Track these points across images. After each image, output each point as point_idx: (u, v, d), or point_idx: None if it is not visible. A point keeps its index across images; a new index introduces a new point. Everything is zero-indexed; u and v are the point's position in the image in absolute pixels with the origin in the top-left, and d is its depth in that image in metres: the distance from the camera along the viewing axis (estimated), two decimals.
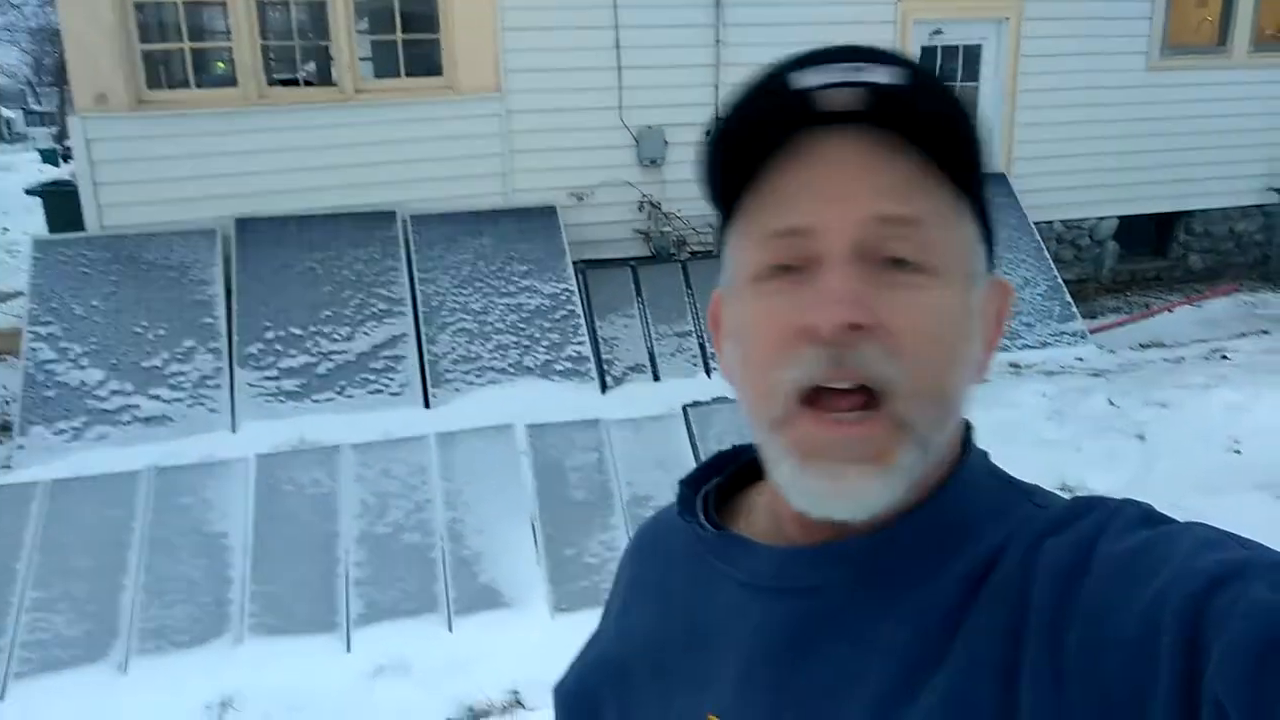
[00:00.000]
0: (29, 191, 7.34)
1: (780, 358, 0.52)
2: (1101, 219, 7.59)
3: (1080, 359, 5.95)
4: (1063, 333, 6.19)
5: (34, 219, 7.46)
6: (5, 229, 13.44)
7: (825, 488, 0.52)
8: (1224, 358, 5.74)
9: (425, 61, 5.96)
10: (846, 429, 0.51)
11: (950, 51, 6.94)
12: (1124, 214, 7.61)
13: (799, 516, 0.58)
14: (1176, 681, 0.41)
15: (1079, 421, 4.81)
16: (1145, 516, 0.51)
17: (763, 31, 6.08)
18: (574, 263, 5.80)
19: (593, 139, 6.10)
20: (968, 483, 0.57)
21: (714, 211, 0.60)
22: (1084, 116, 7.12)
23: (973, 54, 7.00)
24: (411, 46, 5.97)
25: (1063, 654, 0.46)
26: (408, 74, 5.96)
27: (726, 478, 0.70)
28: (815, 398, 0.52)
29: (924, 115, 0.52)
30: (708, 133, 0.55)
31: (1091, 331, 6.32)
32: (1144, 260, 8.07)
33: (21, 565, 3.13)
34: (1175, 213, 7.87)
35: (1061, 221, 7.45)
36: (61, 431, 4.61)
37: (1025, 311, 6.27)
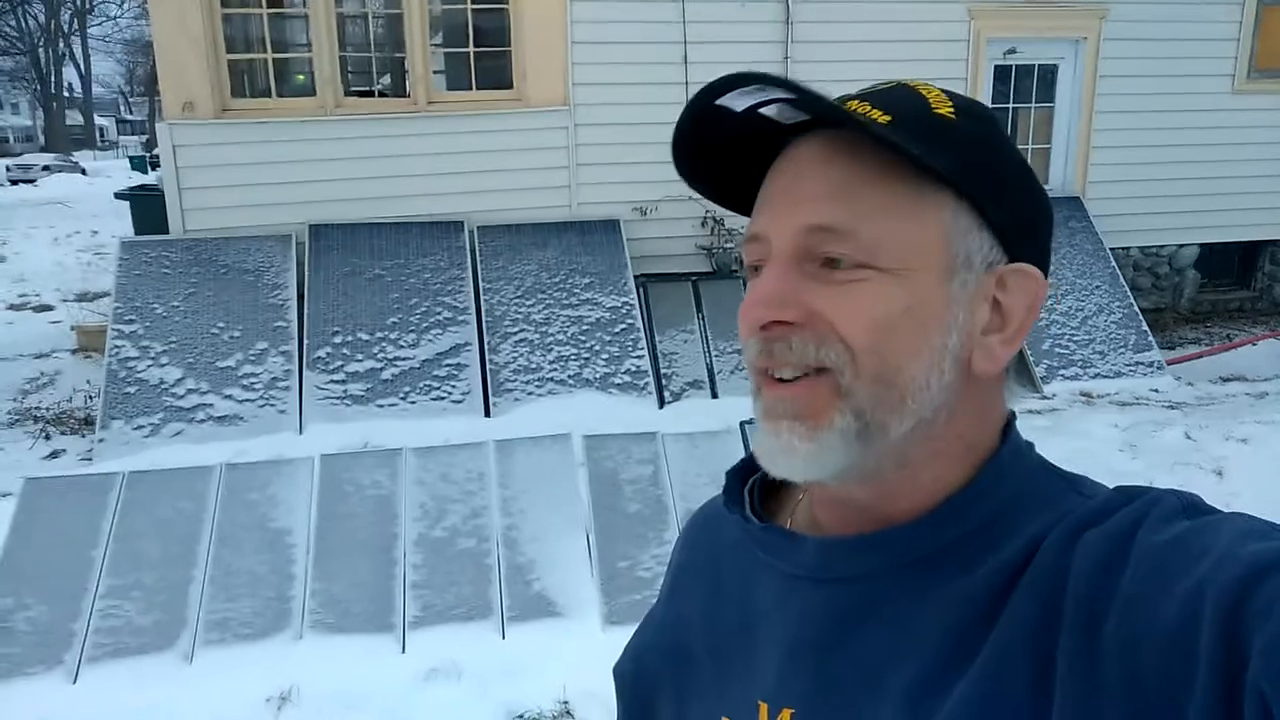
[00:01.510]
0: (118, 196, 7.68)
1: (745, 344, 0.59)
2: (1181, 246, 7.34)
3: (1156, 390, 5.75)
4: (1138, 363, 5.98)
5: (122, 223, 7.79)
6: (95, 231, 14.08)
7: (769, 444, 0.57)
8: None
9: (496, 74, 6.08)
10: (786, 389, 0.56)
11: (1025, 71, 6.81)
12: (1206, 241, 7.34)
13: (827, 504, 0.62)
14: (1216, 671, 0.41)
15: (1153, 454, 4.64)
16: (1187, 506, 0.50)
17: (832, 48, 6.05)
18: (635, 277, 5.83)
19: (658, 154, 6.03)
20: (1005, 472, 0.58)
21: None
22: (1164, 140, 6.91)
23: (1048, 74, 6.85)
24: (483, 60, 6.09)
25: (1099, 643, 0.46)
26: (479, 87, 6.08)
27: None
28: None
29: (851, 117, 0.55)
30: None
31: (1169, 362, 6.10)
32: (1226, 290, 7.78)
33: (98, 553, 3.26)
34: (1261, 241, 7.57)
35: (1139, 248, 7.22)
36: (140, 427, 4.79)
37: (1099, 340, 6.08)
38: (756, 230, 0.59)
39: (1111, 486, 0.56)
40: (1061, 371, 5.87)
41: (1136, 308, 6.31)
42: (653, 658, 0.72)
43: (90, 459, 4.71)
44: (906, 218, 0.55)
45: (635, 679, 0.73)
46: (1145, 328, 6.18)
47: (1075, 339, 6.07)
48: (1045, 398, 5.66)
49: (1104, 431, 4.97)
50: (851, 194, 0.55)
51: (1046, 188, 6.93)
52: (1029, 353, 5.91)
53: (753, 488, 0.70)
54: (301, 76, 6.37)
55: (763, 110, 0.57)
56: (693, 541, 0.76)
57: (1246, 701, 0.39)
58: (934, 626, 0.54)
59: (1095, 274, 6.41)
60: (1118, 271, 6.47)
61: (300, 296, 5.40)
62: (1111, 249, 6.63)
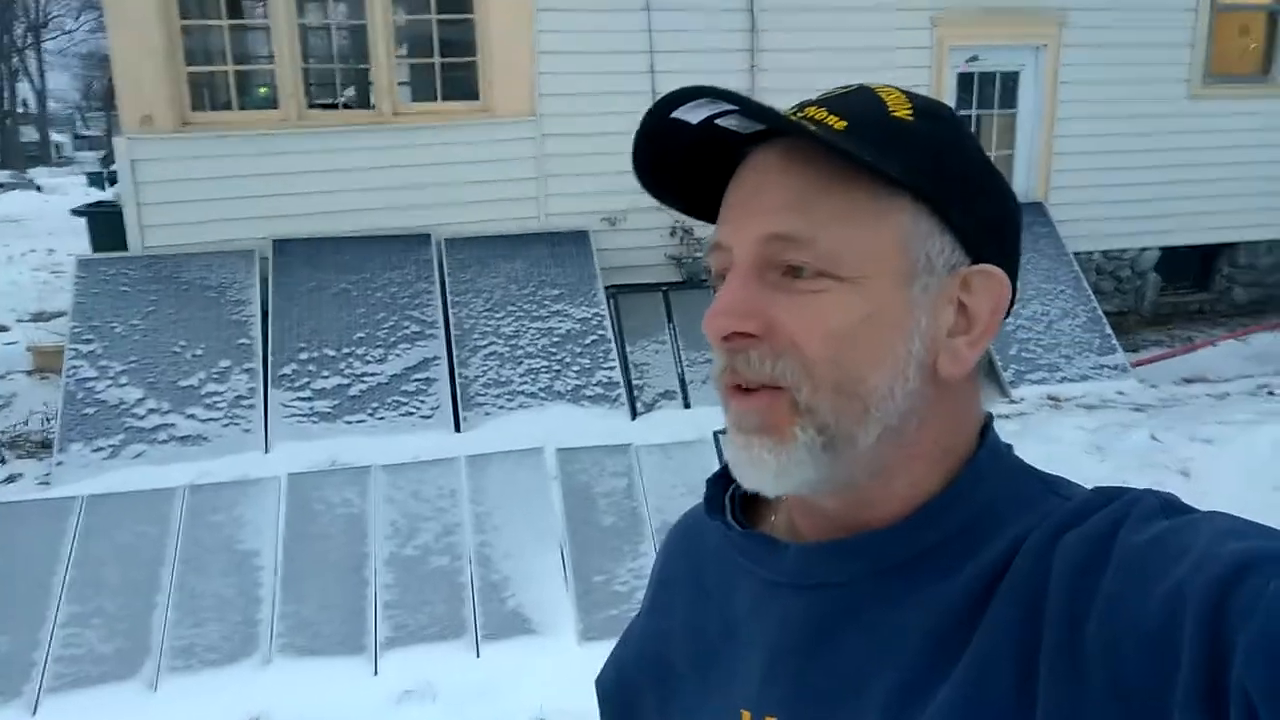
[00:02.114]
0: (75, 212, 7.51)
1: (714, 352, 0.59)
2: (1143, 250, 7.47)
3: (1121, 393, 5.83)
4: (1103, 366, 6.06)
5: (79, 241, 7.62)
6: (51, 250, 13.77)
7: (738, 457, 0.57)
8: (1271, 394, 5.59)
9: (462, 85, 6.04)
10: (750, 401, 0.56)
11: (987, 78, 6.90)
12: (1166, 245, 7.48)
13: (803, 512, 0.62)
14: (1199, 671, 0.41)
15: (1120, 457, 4.70)
16: (1166, 505, 0.50)
17: (797, 57, 6.09)
18: (605, 287, 5.81)
19: (626, 163, 5.97)
20: (983, 475, 0.58)
21: None
22: (1124, 146, 7.03)
23: (1010, 81, 6.95)
24: (449, 70, 6.04)
25: (1081, 644, 0.46)
26: (445, 98, 6.04)
27: None
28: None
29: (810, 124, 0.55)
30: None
31: (1133, 365, 6.19)
32: (1186, 293, 7.92)
33: (57, 580, 3.16)
34: (1219, 244, 7.73)
35: (1101, 252, 7.34)
36: (99, 449, 4.66)
37: (1064, 344, 6.16)
38: (719, 239, 0.59)
39: (1090, 488, 0.56)
40: (1028, 376, 5.93)
41: (1100, 311, 6.40)
42: (634, 669, 0.72)
43: (48, 483, 4.57)
44: (864, 225, 0.55)
45: (617, 690, 0.73)
46: (1109, 331, 6.27)
47: (1041, 343, 6.14)
48: (1013, 401, 5.71)
49: (1072, 434, 5.02)
50: (809, 202, 0.55)
51: None
52: (996, 357, 5.96)
53: (734, 494, 0.70)
54: (265, 89, 6.29)
55: (720, 121, 0.57)
56: (674, 551, 0.75)
57: (1231, 702, 0.39)
58: (915, 632, 0.53)
59: (1059, 278, 6.49)
60: (1081, 276, 6.57)
61: (264, 313, 5.30)
62: (1075, 253, 6.73)
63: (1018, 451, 0.61)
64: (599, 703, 0.75)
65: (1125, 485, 0.54)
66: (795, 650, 0.58)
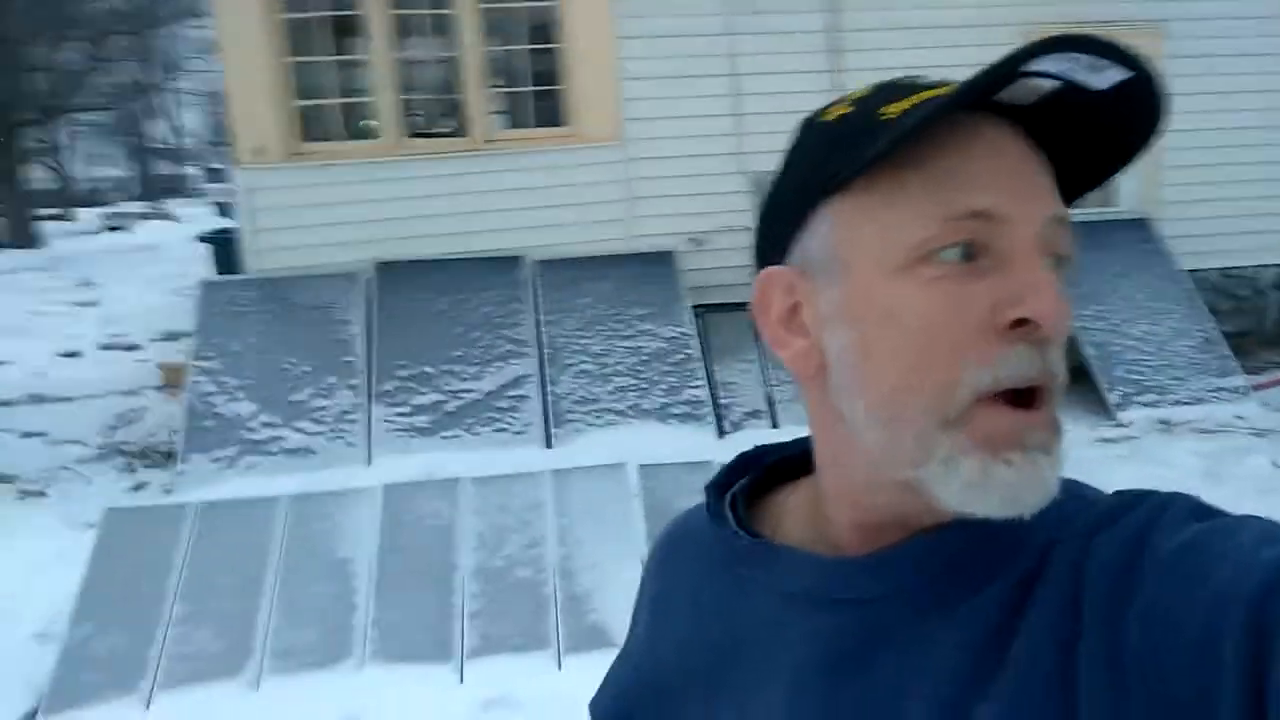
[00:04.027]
0: (200, 239, 8.06)
1: (974, 351, 0.49)
2: (1263, 266, 7.03)
3: (1240, 417, 5.49)
4: (1220, 388, 5.73)
5: (207, 265, 8.18)
6: (182, 274, 14.75)
7: (1024, 478, 0.49)
8: None
9: (551, 113, 6.22)
10: (1037, 415, 0.49)
11: None
12: None
13: (857, 524, 0.57)
14: (1244, 681, 0.40)
15: (1238, 483, 4.44)
16: (1197, 509, 0.49)
17: (881, 76, 6.01)
18: (692, 307, 5.85)
19: (710, 185, 6.16)
20: None
21: (805, 187, 0.56)
22: (1237, 158, 6.65)
23: None
24: (538, 99, 6.25)
25: (1121, 652, 0.45)
26: (535, 125, 6.23)
27: (752, 480, 0.69)
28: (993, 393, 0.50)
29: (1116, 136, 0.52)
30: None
31: (1254, 388, 5.83)
32: None
33: (172, 581, 3.39)
34: None
35: (1217, 270, 6.95)
36: (217, 460, 4.97)
37: (1176, 365, 5.85)
38: (988, 206, 0.49)
39: (1112, 491, 0.55)
40: (1137, 398, 5.66)
41: (1219, 331, 6.06)
42: (633, 692, 0.69)
43: (171, 491, 4.90)
44: None
45: (615, 717, 0.71)
46: (1227, 352, 5.93)
47: (1150, 364, 5.85)
48: (1120, 425, 5.46)
49: (1185, 460, 4.77)
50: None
51: (1116, 209, 6.62)
52: (1101, 378, 5.72)
53: (734, 499, 0.67)
54: (373, 122, 6.62)
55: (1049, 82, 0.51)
56: (665, 565, 0.72)
57: (1270, 709, 0.39)
58: (950, 646, 0.51)
59: (1169, 296, 6.18)
60: (1195, 294, 6.23)
61: (368, 332, 5.57)
62: (1187, 270, 6.39)
63: (1126, 476, 0.60)
64: None
65: (1150, 489, 0.52)
66: (824, 669, 0.55)
